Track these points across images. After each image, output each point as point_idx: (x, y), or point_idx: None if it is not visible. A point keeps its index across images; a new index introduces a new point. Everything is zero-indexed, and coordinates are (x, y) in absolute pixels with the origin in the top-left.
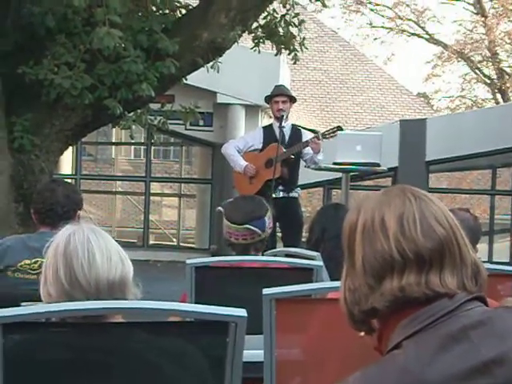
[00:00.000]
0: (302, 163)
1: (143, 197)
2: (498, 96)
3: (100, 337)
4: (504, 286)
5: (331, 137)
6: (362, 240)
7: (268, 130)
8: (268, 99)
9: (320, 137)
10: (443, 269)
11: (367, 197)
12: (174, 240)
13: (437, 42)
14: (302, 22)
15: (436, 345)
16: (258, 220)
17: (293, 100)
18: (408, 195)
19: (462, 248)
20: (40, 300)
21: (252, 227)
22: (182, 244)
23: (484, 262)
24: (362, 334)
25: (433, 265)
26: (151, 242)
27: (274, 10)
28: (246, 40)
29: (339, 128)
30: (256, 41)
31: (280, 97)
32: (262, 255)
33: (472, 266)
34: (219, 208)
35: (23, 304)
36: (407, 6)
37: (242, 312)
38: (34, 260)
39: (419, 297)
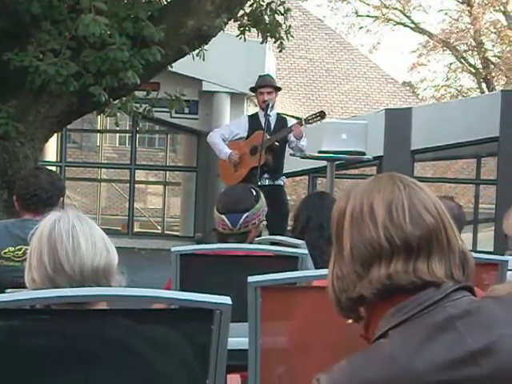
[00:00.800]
0: (288, 151)
1: (128, 184)
2: (483, 85)
3: (84, 324)
4: (488, 274)
5: (314, 121)
6: (350, 227)
7: (253, 118)
8: (253, 89)
9: (303, 122)
10: (431, 257)
11: (356, 184)
12: (159, 228)
13: (422, 31)
14: (287, 10)
15: (422, 335)
16: (234, 214)
17: (278, 89)
18: (397, 183)
19: (449, 236)
20: (24, 287)
21: (225, 219)
22: (166, 232)
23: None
24: (350, 321)
25: (421, 253)
26: (136, 229)
27: None
28: (232, 28)
29: (322, 113)
30: (242, 29)
31: (265, 88)
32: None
33: (460, 254)
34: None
35: (7, 291)
36: None
37: (227, 300)
38: (17, 247)
39: (406, 285)
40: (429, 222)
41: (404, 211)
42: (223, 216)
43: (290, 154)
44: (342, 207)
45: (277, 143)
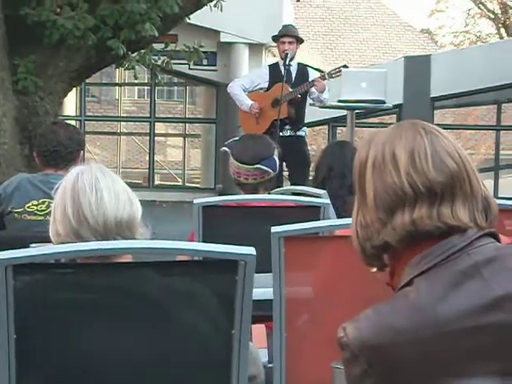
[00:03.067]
0: (308, 101)
1: (148, 137)
2: (502, 31)
3: (109, 277)
4: (510, 220)
5: (337, 75)
6: (372, 175)
7: (274, 68)
8: (275, 39)
9: (326, 76)
10: (454, 202)
11: (377, 132)
12: (180, 180)
13: None
14: None
15: (447, 282)
16: (269, 159)
17: (300, 41)
18: (419, 129)
19: (472, 182)
20: (48, 241)
21: (263, 167)
22: (187, 184)
23: None
24: (374, 269)
25: (444, 198)
26: (156, 182)
27: None
28: None
29: (345, 66)
30: None
31: (287, 37)
32: (269, 194)
33: (482, 201)
34: (224, 148)
35: (32, 246)
36: None
37: (251, 250)
38: (41, 201)
39: (431, 230)
40: (452, 167)
41: (427, 157)
42: (257, 165)
43: (310, 104)
44: (363, 155)
45: (298, 96)
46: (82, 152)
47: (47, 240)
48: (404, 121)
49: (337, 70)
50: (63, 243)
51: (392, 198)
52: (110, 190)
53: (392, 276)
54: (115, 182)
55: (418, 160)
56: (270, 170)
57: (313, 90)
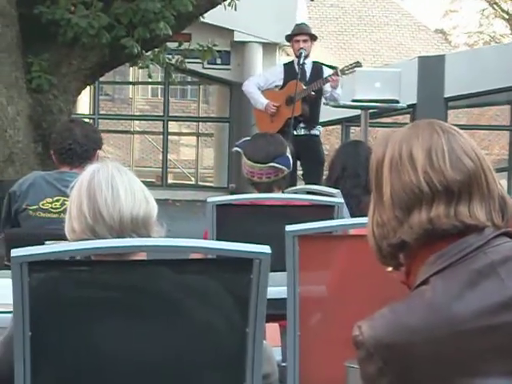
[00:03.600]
0: (323, 100)
1: (161, 136)
2: None
3: (124, 274)
4: None
5: (350, 72)
6: (389, 173)
7: (289, 66)
8: (289, 38)
9: (339, 73)
10: (472, 201)
11: (394, 131)
12: (193, 179)
13: None
14: None
15: (464, 281)
16: (282, 157)
17: (314, 38)
18: (436, 128)
19: (489, 181)
20: (62, 239)
21: (277, 165)
22: (200, 183)
23: None
24: (390, 269)
25: (461, 197)
26: (170, 181)
27: None
28: None
29: (358, 63)
30: None
31: (301, 36)
32: (283, 193)
33: (499, 200)
34: (236, 148)
35: (47, 243)
36: None
37: (266, 249)
38: (55, 198)
39: (448, 229)
40: (469, 166)
41: (444, 156)
42: (271, 164)
43: (324, 103)
44: (380, 154)
45: (313, 93)
46: (98, 151)
47: (62, 237)
48: (421, 120)
49: (350, 67)
50: (78, 240)
51: (409, 196)
52: (127, 187)
53: (408, 275)
54: (131, 180)
55: (435, 158)
56: (284, 168)
57: (326, 88)
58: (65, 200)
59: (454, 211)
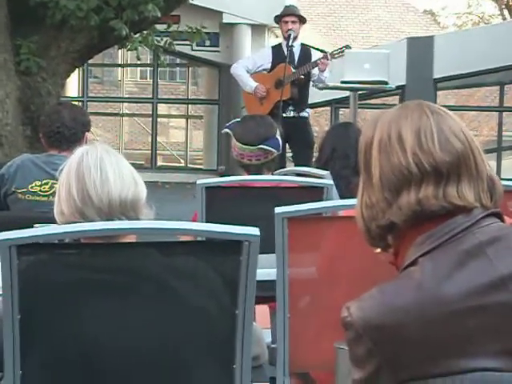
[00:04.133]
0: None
1: (150, 118)
2: (506, 12)
3: (113, 257)
4: None
5: (340, 56)
6: (378, 154)
7: (277, 49)
8: (277, 19)
9: (328, 56)
10: (460, 182)
11: (383, 112)
12: (182, 161)
13: None
14: None
15: (452, 261)
16: (272, 139)
17: (302, 20)
18: (425, 109)
19: (478, 162)
20: (51, 222)
21: (267, 147)
22: (189, 165)
23: None
24: (378, 250)
25: (450, 178)
26: (159, 163)
27: None
28: None
29: (347, 47)
30: None
31: (290, 17)
32: (272, 175)
33: (487, 181)
34: (226, 130)
35: (36, 226)
36: None
37: (255, 231)
38: (44, 181)
39: (437, 210)
40: (457, 147)
41: (433, 137)
42: (260, 146)
43: (312, 86)
44: (369, 135)
45: (302, 76)
46: (86, 133)
47: (51, 220)
48: (410, 101)
49: (339, 51)
50: (67, 222)
51: (398, 177)
52: (115, 170)
53: (396, 256)
54: (120, 163)
55: (424, 140)
56: (273, 150)
57: (314, 71)
58: (53, 183)
59: (442, 192)
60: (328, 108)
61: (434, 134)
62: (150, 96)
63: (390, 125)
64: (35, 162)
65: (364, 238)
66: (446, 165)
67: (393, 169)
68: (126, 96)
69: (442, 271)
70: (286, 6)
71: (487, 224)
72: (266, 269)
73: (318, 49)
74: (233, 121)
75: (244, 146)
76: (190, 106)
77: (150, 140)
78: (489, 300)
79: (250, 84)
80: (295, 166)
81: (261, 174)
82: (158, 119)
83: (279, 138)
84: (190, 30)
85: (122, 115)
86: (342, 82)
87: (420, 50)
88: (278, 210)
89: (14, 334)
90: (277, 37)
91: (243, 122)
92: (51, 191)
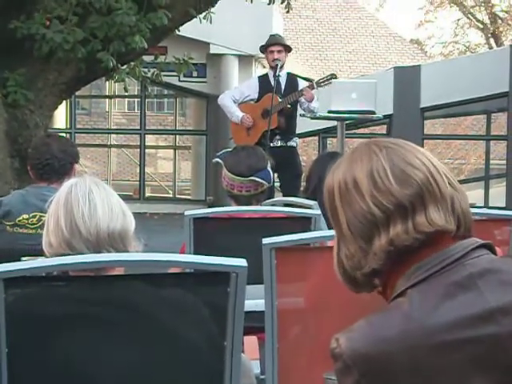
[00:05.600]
0: (299, 111)
1: (138, 149)
2: (492, 41)
3: (101, 289)
4: (500, 230)
5: (326, 84)
6: (341, 204)
7: (264, 79)
8: (263, 49)
9: (314, 85)
10: (427, 208)
11: (340, 160)
12: (170, 192)
13: None
14: None
15: (441, 292)
16: (263, 171)
17: (288, 49)
18: (373, 148)
19: (439, 184)
20: (39, 255)
21: (258, 179)
22: (178, 196)
23: (480, 207)
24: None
25: (416, 209)
26: (147, 194)
27: None
28: None
29: (333, 75)
30: None
31: (275, 46)
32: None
33: (450, 200)
34: (216, 159)
35: (23, 259)
36: None
37: (243, 262)
38: (32, 214)
39: (410, 244)
40: (415, 176)
41: (386, 174)
42: (252, 178)
43: (301, 115)
44: (329, 185)
45: (288, 106)
46: (75, 165)
47: (38, 253)
48: (359, 144)
49: (325, 79)
50: (56, 254)
51: (364, 224)
52: (104, 201)
53: (385, 288)
54: (109, 194)
55: (378, 180)
56: (264, 182)
57: (303, 100)
58: (41, 216)
59: (412, 225)
60: (316, 138)
61: (387, 171)
62: (138, 127)
63: (345, 172)
64: (24, 197)
65: (347, 286)
66: (408, 197)
67: (357, 216)
68: (114, 127)
69: (430, 302)
70: (271, 35)
71: (478, 256)
72: (254, 300)
73: (304, 78)
74: (224, 150)
75: (235, 177)
76: (177, 136)
77: (138, 171)
78: (478, 332)
79: (236, 114)
80: (283, 195)
81: (250, 205)
82: (146, 150)
83: (270, 170)
84: (177, 61)
85: (110, 146)
86: (329, 112)
87: (407, 79)
88: (265, 240)
89: (1, 368)
90: (264, 67)
91: (234, 153)
92: (39, 224)
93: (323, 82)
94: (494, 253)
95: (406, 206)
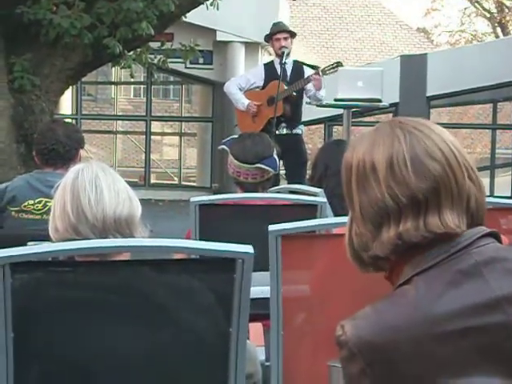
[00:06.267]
0: (305, 99)
1: (144, 136)
2: (498, 30)
3: (107, 275)
4: (507, 219)
5: (331, 72)
6: (357, 186)
7: (270, 66)
8: (268, 38)
9: (320, 73)
10: (441, 207)
11: (360, 136)
12: (176, 179)
13: None
14: None
15: (447, 280)
16: (269, 158)
17: (293, 35)
18: (397, 132)
19: (458, 179)
20: (45, 240)
21: (264, 166)
22: (183, 183)
23: (486, 196)
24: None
25: (429, 205)
26: (152, 181)
27: None
28: None
29: (339, 63)
30: None
31: (281, 33)
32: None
33: (466, 199)
34: (223, 146)
35: (29, 244)
36: None
37: (249, 248)
38: (37, 200)
39: (419, 241)
40: (434, 170)
41: (406, 164)
42: (258, 165)
43: (306, 103)
44: (348, 162)
45: (294, 93)
46: (80, 150)
47: (44, 238)
48: (383, 123)
49: (331, 67)
50: (62, 239)
51: (376, 211)
52: (110, 187)
53: (391, 272)
54: (116, 180)
55: (397, 168)
56: (270, 170)
57: (309, 87)
58: (47, 201)
59: (423, 223)
60: (321, 125)
61: (406, 161)
62: (144, 114)
63: (365, 153)
64: (30, 183)
65: (355, 264)
66: (423, 191)
67: (370, 202)
68: (120, 114)
69: (436, 290)
70: (274, 24)
71: (484, 244)
72: (259, 286)
73: (310, 65)
74: (229, 137)
75: (241, 164)
76: (183, 123)
77: (143, 158)
78: (483, 321)
79: (242, 101)
80: (288, 183)
81: (256, 192)
82: (152, 137)
83: (276, 157)
84: (183, 48)
85: (116, 133)
86: (336, 100)
87: (413, 67)
88: (271, 227)
89: (8, 353)
90: (270, 54)
91: (241, 140)
92: (45, 209)
93: (329, 69)
94: (500, 241)
95: (421, 200)
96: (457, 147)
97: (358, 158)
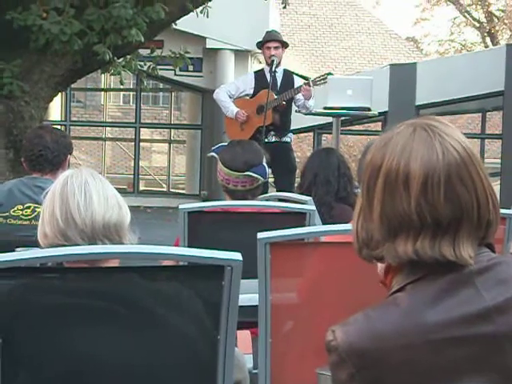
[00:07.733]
0: (294, 108)
1: (133, 143)
2: (488, 40)
3: (96, 281)
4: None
5: (322, 83)
6: (383, 189)
7: (259, 74)
8: (260, 45)
9: (311, 83)
10: (457, 238)
11: (394, 134)
12: (164, 186)
13: None
14: None
15: (439, 289)
16: (259, 166)
17: (285, 45)
18: (436, 146)
19: (482, 208)
20: (34, 246)
21: (254, 174)
22: (172, 190)
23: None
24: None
25: (448, 230)
26: (141, 188)
27: None
28: None
29: (329, 74)
30: None
31: (272, 42)
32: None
33: (484, 228)
34: (212, 153)
35: (17, 250)
36: None
37: (238, 256)
38: (26, 205)
39: (430, 262)
40: (462, 197)
41: (440, 187)
42: (247, 173)
43: (296, 111)
44: (377, 162)
45: (284, 102)
46: (69, 156)
47: (32, 244)
48: (421, 123)
49: (321, 78)
50: (51, 245)
51: (399, 221)
52: (100, 193)
53: (386, 274)
54: (105, 186)
55: (430, 190)
56: (260, 178)
57: (298, 96)
58: (36, 207)
59: (438, 246)
60: (311, 134)
61: (441, 185)
62: (133, 120)
63: (400, 159)
64: (19, 188)
65: (354, 247)
66: (448, 218)
67: (394, 210)
68: (109, 120)
69: (428, 299)
70: (267, 32)
71: (478, 253)
72: (248, 294)
73: (300, 75)
74: (219, 145)
75: (231, 172)
76: (172, 130)
77: (132, 164)
78: (473, 331)
79: (231, 109)
80: (277, 191)
81: (245, 200)
82: (141, 144)
83: (266, 165)
84: (173, 55)
85: (105, 139)
86: (325, 108)
87: (403, 76)
88: (260, 235)
89: None
90: (260, 62)
91: (230, 147)
92: (33, 215)
93: (319, 80)
94: (493, 251)
95: (443, 224)
96: (486, 173)
97: (392, 163)
